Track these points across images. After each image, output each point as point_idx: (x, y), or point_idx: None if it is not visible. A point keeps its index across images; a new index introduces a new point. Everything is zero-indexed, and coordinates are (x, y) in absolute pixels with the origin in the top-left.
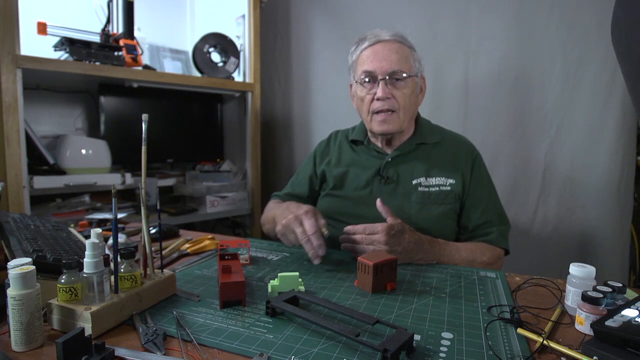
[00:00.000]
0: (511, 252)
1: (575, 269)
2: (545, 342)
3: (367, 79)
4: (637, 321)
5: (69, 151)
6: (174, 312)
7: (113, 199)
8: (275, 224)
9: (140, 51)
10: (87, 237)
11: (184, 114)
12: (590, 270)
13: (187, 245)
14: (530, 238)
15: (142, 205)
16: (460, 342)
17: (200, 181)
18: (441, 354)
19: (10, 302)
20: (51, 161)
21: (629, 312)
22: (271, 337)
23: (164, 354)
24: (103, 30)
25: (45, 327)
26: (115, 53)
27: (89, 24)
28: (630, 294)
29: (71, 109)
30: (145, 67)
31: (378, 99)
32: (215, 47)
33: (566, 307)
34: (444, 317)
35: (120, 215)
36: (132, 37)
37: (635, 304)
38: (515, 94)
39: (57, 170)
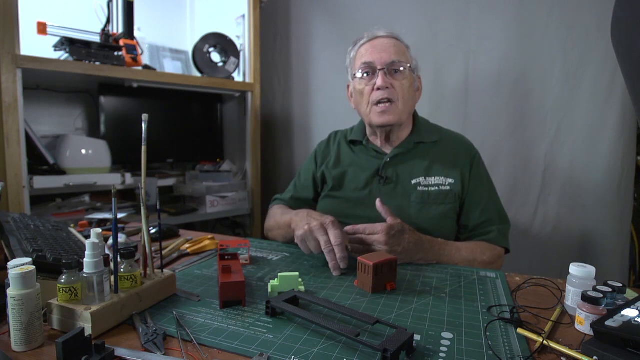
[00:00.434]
0: (511, 252)
1: (575, 269)
2: (545, 342)
3: (366, 72)
4: (637, 321)
5: (69, 151)
6: (174, 312)
7: (113, 199)
8: (288, 230)
9: (140, 51)
10: (87, 237)
11: (184, 114)
12: (590, 270)
13: (187, 245)
14: (530, 238)
15: (142, 205)
16: (460, 342)
17: (200, 181)
18: (441, 354)
19: (10, 302)
20: (51, 161)
21: (629, 312)
22: (271, 337)
23: (164, 354)
24: (103, 30)
25: (45, 327)
26: (115, 53)
27: (89, 24)
28: (630, 294)
29: (71, 109)
30: (145, 67)
31: (378, 89)
32: (215, 47)
33: (566, 307)
34: (444, 317)
35: (120, 215)
36: (132, 37)
37: (635, 304)
38: (515, 94)
39: (57, 170)
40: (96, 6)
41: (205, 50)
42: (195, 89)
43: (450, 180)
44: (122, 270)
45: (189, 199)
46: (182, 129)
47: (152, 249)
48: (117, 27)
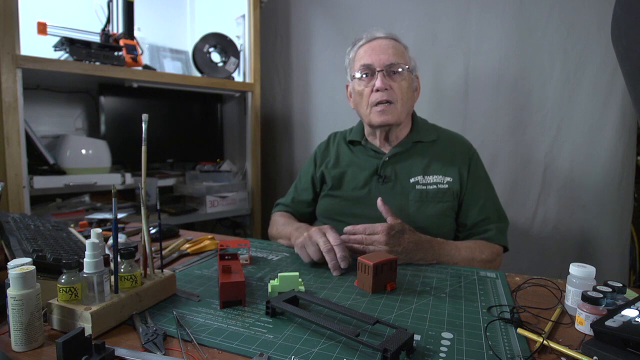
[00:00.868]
0: (511, 252)
1: (575, 269)
2: (545, 342)
3: (365, 73)
4: (637, 321)
5: (69, 151)
6: (174, 312)
7: (113, 199)
8: (289, 242)
9: (140, 51)
10: (87, 237)
11: (184, 114)
12: (590, 270)
13: (187, 245)
14: (530, 238)
15: (142, 205)
16: (460, 342)
17: (200, 181)
18: (441, 354)
19: (10, 302)
20: (51, 161)
21: (629, 312)
22: (271, 337)
23: (164, 354)
24: (103, 30)
25: (45, 327)
26: (115, 53)
27: (89, 24)
28: (630, 294)
29: (71, 109)
30: (145, 67)
31: (377, 90)
32: (215, 47)
33: (566, 307)
34: (444, 317)
35: (120, 215)
36: (132, 37)
37: (635, 304)
38: (515, 94)
39: (57, 170)
40: (96, 6)
41: (205, 50)
42: (195, 89)
43: (448, 179)
44: (122, 270)
45: (189, 199)
46: (182, 129)
47: (152, 249)
48: (117, 27)
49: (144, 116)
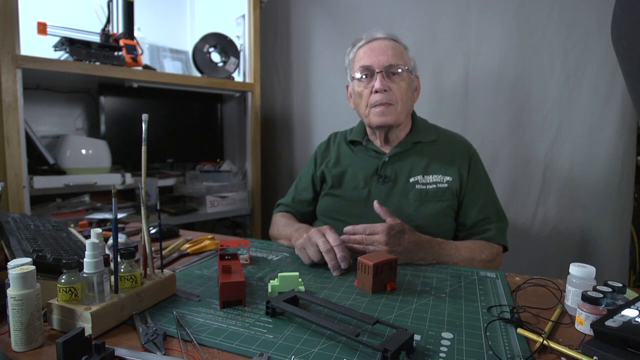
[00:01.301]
0: (511, 252)
1: (575, 269)
2: (545, 342)
3: (364, 74)
4: (637, 321)
5: (69, 151)
6: (174, 312)
7: (113, 199)
8: (289, 243)
9: (140, 51)
10: (87, 237)
11: (184, 114)
12: (590, 270)
13: (187, 245)
14: (530, 238)
15: (142, 205)
16: (460, 342)
17: (200, 181)
18: (441, 354)
19: (10, 302)
20: (51, 161)
21: (629, 312)
22: (271, 337)
23: (164, 354)
24: (103, 30)
25: (45, 327)
26: (115, 53)
27: (89, 24)
28: (630, 294)
29: (71, 109)
30: (145, 67)
31: (376, 91)
32: (215, 47)
33: (566, 307)
34: (444, 317)
35: (120, 215)
36: (132, 37)
37: (635, 304)
38: (515, 94)
39: (57, 170)
40: (96, 6)
41: (205, 50)
42: (195, 89)
43: (448, 178)
44: (122, 270)
45: (189, 199)
46: (182, 129)
47: (152, 249)
48: (117, 27)
49: (144, 116)
